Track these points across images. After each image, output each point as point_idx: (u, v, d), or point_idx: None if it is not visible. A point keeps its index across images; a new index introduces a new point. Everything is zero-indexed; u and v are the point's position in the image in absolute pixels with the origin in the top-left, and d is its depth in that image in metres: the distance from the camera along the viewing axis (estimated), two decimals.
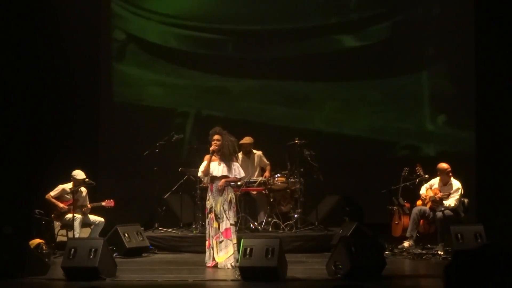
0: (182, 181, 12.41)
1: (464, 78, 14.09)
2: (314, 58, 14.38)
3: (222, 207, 10.07)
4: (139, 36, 14.77)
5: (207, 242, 10.16)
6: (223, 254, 9.96)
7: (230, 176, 10.19)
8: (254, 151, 12.80)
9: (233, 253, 9.92)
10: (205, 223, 10.54)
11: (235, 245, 10.01)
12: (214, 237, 10.04)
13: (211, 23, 14.59)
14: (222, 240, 10.00)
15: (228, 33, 14.61)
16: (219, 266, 9.92)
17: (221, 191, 10.13)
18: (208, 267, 10.02)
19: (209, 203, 10.19)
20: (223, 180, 10.15)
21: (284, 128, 13.99)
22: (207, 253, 10.12)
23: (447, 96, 14.19)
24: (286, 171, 12.43)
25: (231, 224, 10.10)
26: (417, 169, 11.92)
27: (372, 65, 14.28)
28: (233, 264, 9.82)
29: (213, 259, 10.02)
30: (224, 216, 10.06)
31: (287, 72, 14.42)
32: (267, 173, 12.57)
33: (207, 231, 10.21)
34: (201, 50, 14.62)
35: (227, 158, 10.19)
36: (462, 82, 14.14)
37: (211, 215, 10.12)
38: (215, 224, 10.07)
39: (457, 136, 14.18)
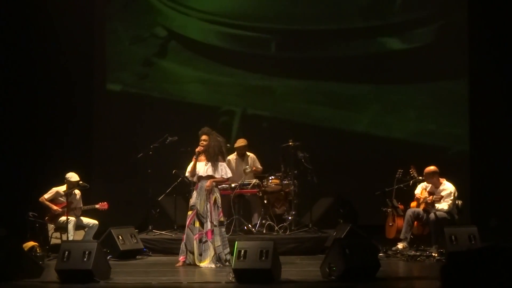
0: (176, 183, 12.40)
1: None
2: (357, 59, 14.40)
3: (205, 207, 10.17)
4: (180, 32, 14.78)
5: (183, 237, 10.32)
6: (205, 257, 10.09)
7: (216, 176, 10.31)
8: (248, 153, 12.81)
9: (214, 254, 10.10)
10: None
11: (219, 247, 10.14)
12: (195, 236, 10.13)
13: (253, 22, 14.61)
14: (206, 241, 10.13)
15: (271, 32, 14.61)
16: (201, 267, 10.04)
17: (208, 191, 10.22)
18: (179, 263, 10.26)
19: (192, 201, 10.30)
20: (210, 181, 10.24)
21: (329, 129, 14.06)
22: (182, 248, 10.30)
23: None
24: (280, 173, 12.43)
25: (214, 226, 10.18)
26: (411, 171, 11.91)
27: (416, 68, 14.24)
28: (214, 261, 10.06)
29: (185, 254, 10.25)
30: (208, 217, 10.15)
31: (330, 73, 14.42)
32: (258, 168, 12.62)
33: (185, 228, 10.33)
34: (243, 48, 14.63)
35: (213, 158, 10.27)
36: None
37: (191, 213, 10.24)
38: (196, 223, 10.18)
39: (451, 139, 14.22)
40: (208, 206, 10.21)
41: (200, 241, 10.19)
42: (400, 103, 14.47)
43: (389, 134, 14.37)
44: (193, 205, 10.30)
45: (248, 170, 12.30)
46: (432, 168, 11.56)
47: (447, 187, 11.51)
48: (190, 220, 10.27)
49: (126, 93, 14.72)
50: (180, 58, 14.79)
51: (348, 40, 14.51)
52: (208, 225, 10.20)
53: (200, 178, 10.36)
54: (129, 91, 14.77)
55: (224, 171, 10.41)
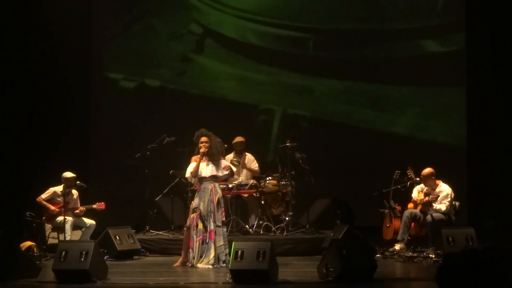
0: (173, 183, 12.40)
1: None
2: (396, 61, 14.41)
3: (208, 208, 10.15)
4: (216, 30, 14.78)
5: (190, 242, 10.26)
6: (204, 258, 10.07)
7: (220, 174, 10.29)
8: (246, 153, 12.80)
9: (214, 255, 10.05)
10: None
11: (220, 247, 10.11)
12: (197, 239, 10.11)
13: (290, 21, 14.61)
14: (208, 242, 10.09)
15: (309, 31, 14.59)
16: (199, 267, 10.02)
17: (212, 191, 10.21)
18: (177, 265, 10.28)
19: (194, 203, 10.27)
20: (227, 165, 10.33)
21: (369, 131, 14.09)
22: (190, 253, 10.24)
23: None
24: (278, 174, 12.43)
25: (217, 226, 10.17)
26: (409, 172, 11.92)
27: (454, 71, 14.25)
28: (212, 262, 10.02)
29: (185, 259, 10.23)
30: (210, 217, 10.14)
31: (367, 74, 14.45)
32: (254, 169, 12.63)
33: (190, 232, 10.26)
34: (281, 47, 14.63)
35: (215, 158, 10.26)
36: None
37: (194, 216, 10.20)
38: (199, 225, 10.15)
39: (448, 140, 14.24)
40: (211, 206, 10.19)
41: (202, 242, 10.15)
42: (395, 102, 14.47)
43: (386, 135, 14.37)
44: (195, 207, 10.23)
45: (236, 163, 12.16)
46: (428, 170, 11.57)
47: (444, 188, 11.52)
48: (194, 222, 10.22)
49: (125, 89, 14.71)
50: (217, 55, 14.78)
51: (385, 41, 14.52)
52: (211, 226, 10.15)
53: (203, 179, 10.32)
54: (167, 87, 14.78)
55: (225, 168, 10.42)
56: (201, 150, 10.27)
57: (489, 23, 13.76)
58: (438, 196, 11.42)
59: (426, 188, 11.59)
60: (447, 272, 3.14)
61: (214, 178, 10.32)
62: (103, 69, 14.81)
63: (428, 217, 11.27)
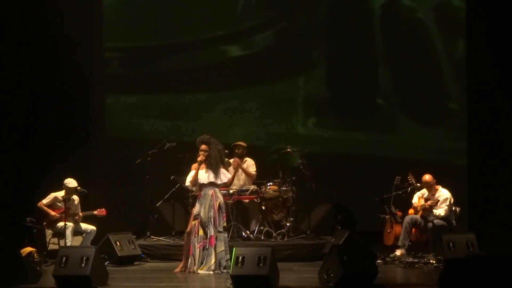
0: (174, 189, 12.40)
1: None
2: (196, 70, 14.55)
3: (208, 214, 10.14)
4: None
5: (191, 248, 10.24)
6: (205, 263, 10.07)
7: (218, 182, 10.29)
8: (247, 158, 12.78)
9: (214, 261, 10.05)
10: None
11: (221, 253, 10.10)
12: (198, 245, 10.11)
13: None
14: (208, 247, 10.08)
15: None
16: (199, 273, 10.01)
17: (213, 197, 10.21)
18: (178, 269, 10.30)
19: (196, 210, 10.27)
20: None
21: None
22: (190, 259, 10.20)
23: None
24: (278, 180, 12.43)
25: (219, 232, 10.17)
26: (409, 178, 11.93)
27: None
28: (213, 268, 10.02)
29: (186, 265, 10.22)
30: (211, 223, 10.13)
31: (167, 86, 14.54)
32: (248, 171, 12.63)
33: (191, 239, 10.25)
34: None
35: (213, 167, 10.26)
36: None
37: (195, 222, 10.19)
38: (200, 232, 10.15)
39: (449, 146, 14.24)
40: (212, 212, 10.18)
41: (203, 249, 10.14)
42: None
43: (387, 141, 14.37)
44: (197, 214, 10.22)
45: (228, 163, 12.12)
46: (428, 176, 11.59)
47: (443, 193, 11.55)
48: (196, 229, 10.21)
49: (127, 98, 14.76)
50: None
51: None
52: (212, 231, 10.14)
53: (202, 186, 10.32)
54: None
55: (224, 175, 10.42)
56: (199, 159, 10.29)
57: (490, 31, 13.77)
58: (438, 201, 11.44)
59: (427, 194, 11.61)
60: (449, 278, 3.14)
61: (212, 185, 10.33)
62: (105, 75, 14.83)
63: (430, 223, 11.27)
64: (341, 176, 13.96)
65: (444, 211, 11.38)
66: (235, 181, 12.38)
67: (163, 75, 14.59)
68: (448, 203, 11.45)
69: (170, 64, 14.60)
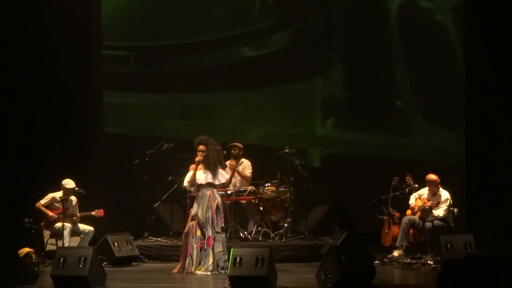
0: (172, 190, 12.40)
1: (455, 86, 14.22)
2: (214, 70, 14.55)
3: (206, 215, 10.14)
4: None
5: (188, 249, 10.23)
6: (203, 265, 10.06)
7: (216, 183, 10.29)
8: (243, 159, 12.79)
9: (212, 262, 10.03)
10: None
11: (219, 254, 10.09)
12: (196, 246, 10.10)
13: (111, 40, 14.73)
14: (206, 248, 10.08)
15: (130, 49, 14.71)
16: (197, 274, 10.00)
17: (210, 197, 10.21)
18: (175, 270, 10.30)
19: (194, 211, 10.26)
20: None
21: (180, 140, 13.66)
22: (188, 260, 10.20)
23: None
24: (276, 180, 12.43)
25: (217, 232, 10.17)
26: (407, 179, 11.93)
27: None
28: (211, 268, 10.01)
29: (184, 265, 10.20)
30: (208, 224, 10.13)
31: (185, 85, 14.56)
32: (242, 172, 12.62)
33: (189, 239, 10.25)
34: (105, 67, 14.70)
35: (211, 167, 10.26)
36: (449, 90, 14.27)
37: (193, 223, 10.19)
38: (198, 232, 10.14)
39: (446, 146, 14.25)
40: (210, 213, 10.18)
41: (201, 249, 10.14)
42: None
43: (385, 143, 14.39)
44: (195, 215, 10.22)
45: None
46: (434, 176, 11.57)
47: (443, 194, 11.55)
48: (193, 230, 10.21)
49: (124, 101, 14.75)
50: None
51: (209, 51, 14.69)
52: (209, 232, 10.14)
53: (200, 186, 10.32)
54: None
55: (222, 176, 10.42)
56: (197, 159, 10.29)
57: (488, 34, 13.79)
58: (438, 202, 11.44)
59: (426, 194, 11.60)
60: (447, 279, 3.15)
61: (210, 185, 10.33)
62: (102, 77, 14.82)
63: (427, 224, 11.27)
64: (339, 177, 13.98)
65: (444, 211, 11.38)
66: (232, 181, 12.37)
67: (180, 74, 14.60)
68: (448, 203, 11.45)
69: (186, 64, 14.60)
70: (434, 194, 11.57)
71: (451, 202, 11.53)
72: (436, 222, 11.30)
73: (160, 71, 14.63)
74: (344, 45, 14.62)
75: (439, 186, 11.58)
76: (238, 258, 8.85)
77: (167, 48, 14.65)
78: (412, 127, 14.40)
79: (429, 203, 11.43)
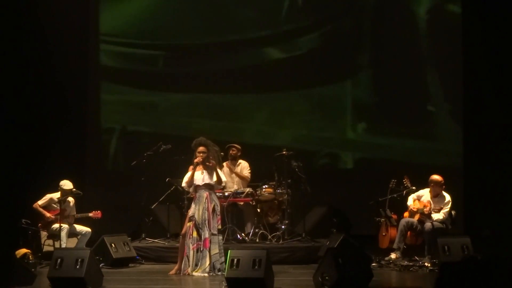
0: (169, 191, 12.40)
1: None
2: (243, 71, 14.57)
3: (202, 216, 10.14)
4: None
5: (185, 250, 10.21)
6: (200, 266, 10.06)
7: (213, 183, 10.29)
8: (241, 160, 12.79)
9: (209, 263, 10.03)
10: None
11: (215, 255, 10.09)
12: (192, 247, 10.10)
13: (140, 39, 14.72)
14: (203, 250, 10.08)
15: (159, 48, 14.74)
16: (194, 276, 9.99)
17: (207, 198, 10.20)
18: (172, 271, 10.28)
19: (191, 212, 10.27)
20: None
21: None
22: (184, 260, 10.18)
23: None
24: (274, 182, 12.43)
25: (213, 234, 10.16)
26: (405, 181, 11.91)
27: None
28: (207, 270, 10.00)
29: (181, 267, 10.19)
30: (205, 225, 10.12)
31: (214, 85, 14.55)
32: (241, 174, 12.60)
33: (185, 240, 10.24)
34: (132, 66, 14.69)
35: (210, 168, 10.27)
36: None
37: (190, 224, 10.18)
38: (194, 234, 10.14)
39: (444, 149, 14.25)
40: (206, 214, 10.18)
41: (197, 251, 10.14)
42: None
43: (382, 144, 14.38)
44: (192, 216, 10.24)
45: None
46: (438, 177, 11.53)
47: (446, 196, 11.51)
48: (190, 231, 10.21)
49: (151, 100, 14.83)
50: None
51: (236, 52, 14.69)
52: (206, 234, 10.14)
53: (198, 187, 10.33)
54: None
55: (220, 176, 10.42)
56: (196, 160, 10.29)
57: (487, 40, 13.80)
58: (440, 208, 11.41)
59: (426, 195, 11.57)
60: (445, 281, 3.14)
61: (208, 186, 10.33)
62: (100, 77, 14.83)
63: (428, 225, 11.21)
64: (337, 179, 13.98)
65: (444, 214, 11.36)
66: (230, 183, 12.39)
67: (209, 74, 14.61)
68: (449, 206, 11.44)
69: (214, 64, 14.61)
70: (436, 195, 11.53)
71: (451, 206, 11.52)
72: (436, 224, 11.28)
73: (189, 70, 14.62)
74: (372, 49, 14.58)
75: (443, 187, 11.56)
76: (235, 259, 8.85)
77: (197, 47, 14.65)
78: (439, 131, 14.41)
79: (427, 208, 11.40)
